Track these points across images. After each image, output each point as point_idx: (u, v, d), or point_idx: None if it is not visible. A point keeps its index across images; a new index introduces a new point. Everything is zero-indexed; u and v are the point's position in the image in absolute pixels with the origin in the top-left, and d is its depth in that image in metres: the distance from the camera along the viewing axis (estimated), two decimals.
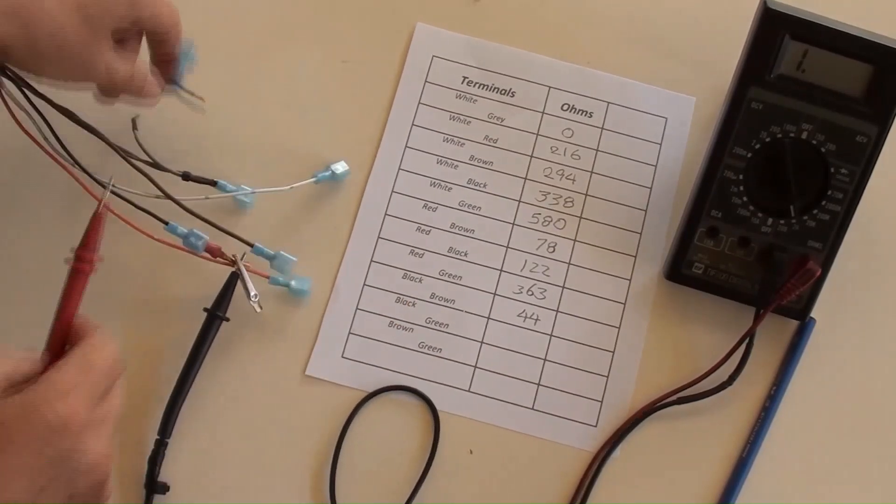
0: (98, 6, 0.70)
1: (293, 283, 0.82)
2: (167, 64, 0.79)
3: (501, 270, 0.85)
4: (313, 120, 0.88)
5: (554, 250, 0.85)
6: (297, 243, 0.84)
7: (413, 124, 0.88)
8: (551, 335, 0.83)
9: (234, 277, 0.80)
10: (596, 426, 0.81)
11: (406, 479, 0.80)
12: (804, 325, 0.83)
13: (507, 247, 0.85)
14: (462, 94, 0.89)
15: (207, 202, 0.82)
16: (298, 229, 0.86)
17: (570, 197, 0.87)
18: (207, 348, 0.80)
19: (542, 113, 0.89)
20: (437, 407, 0.81)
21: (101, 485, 0.63)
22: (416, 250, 0.85)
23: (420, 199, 0.86)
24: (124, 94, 0.76)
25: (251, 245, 0.80)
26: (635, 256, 0.85)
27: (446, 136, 0.88)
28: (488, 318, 0.84)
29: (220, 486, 0.80)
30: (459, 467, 0.80)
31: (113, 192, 0.76)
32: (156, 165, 0.81)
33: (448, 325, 0.83)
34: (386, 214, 0.86)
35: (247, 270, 0.79)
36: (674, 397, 0.81)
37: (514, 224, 0.86)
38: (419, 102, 0.89)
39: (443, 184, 0.87)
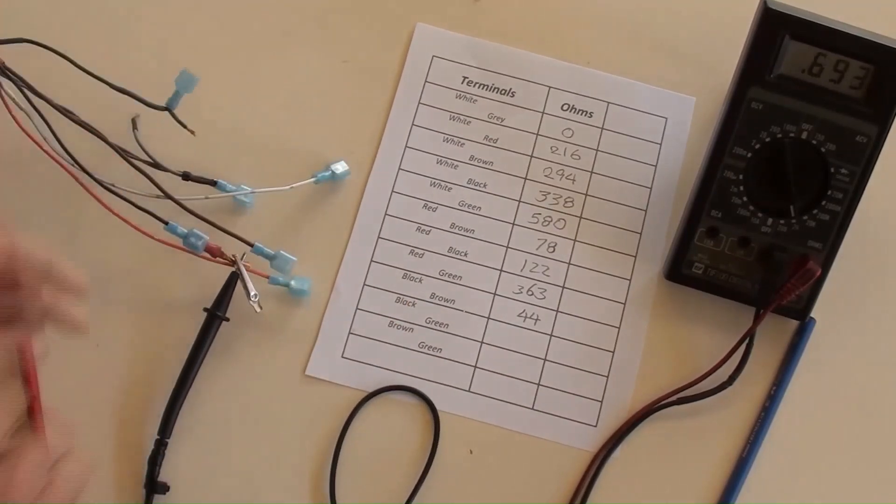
0: None
1: (293, 283, 0.83)
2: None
3: (501, 270, 0.85)
4: (313, 120, 0.89)
5: (554, 250, 0.86)
6: (296, 243, 0.84)
7: (413, 124, 0.88)
8: (551, 335, 0.84)
9: (234, 277, 0.81)
10: (596, 426, 0.82)
11: (406, 478, 0.80)
12: (804, 325, 0.84)
13: (507, 247, 0.86)
14: (462, 94, 0.89)
15: (207, 202, 0.83)
16: (298, 229, 0.86)
17: (570, 197, 0.87)
18: (207, 348, 0.81)
19: (542, 113, 0.89)
20: (438, 407, 0.82)
21: None
22: (416, 250, 0.86)
23: (420, 199, 0.87)
24: None
25: (251, 245, 0.80)
26: (635, 256, 0.86)
27: (446, 136, 0.88)
28: (488, 318, 0.84)
29: (220, 486, 0.80)
30: (459, 467, 0.81)
31: (113, 192, 0.77)
32: (156, 165, 0.81)
33: (448, 325, 0.84)
34: (386, 214, 0.86)
35: (247, 270, 0.79)
36: (674, 397, 0.81)
37: (514, 224, 0.86)
38: (419, 102, 0.89)
39: (443, 184, 0.87)
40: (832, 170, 0.78)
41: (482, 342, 0.84)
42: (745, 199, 0.80)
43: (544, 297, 0.85)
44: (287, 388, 0.82)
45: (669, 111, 0.89)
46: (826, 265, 0.80)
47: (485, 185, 0.87)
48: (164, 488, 0.79)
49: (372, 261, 0.85)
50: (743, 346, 0.81)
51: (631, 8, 0.92)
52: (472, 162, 0.88)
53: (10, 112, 0.76)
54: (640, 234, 0.86)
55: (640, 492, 0.81)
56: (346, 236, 0.86)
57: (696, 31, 0.91)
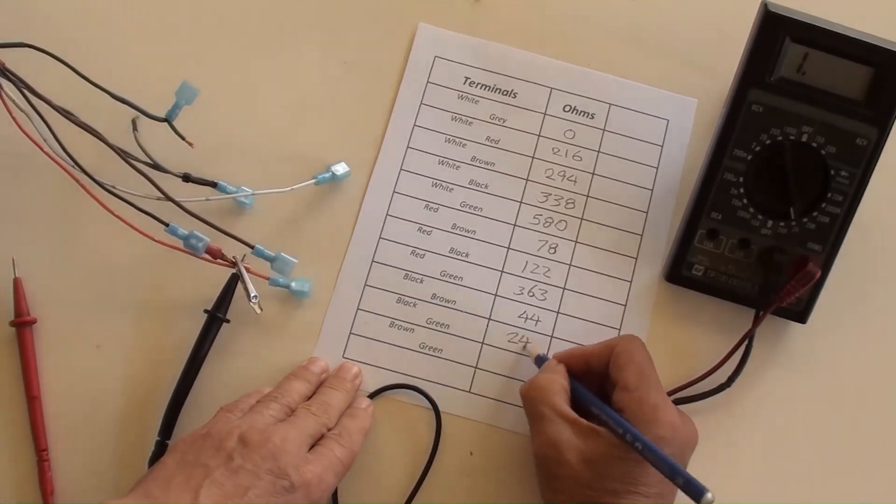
0: None
1: (293, 284, 0.83)
2: None
3: (502, 271, 0.86)
4: (314, 121, 0.89)
5: (555, 251, 0.87)
6: (297, 244, 0.85)
7: (415, 125, 0.89)
8: (552, 336, 0.85)
9: (235, 279, 0.81)
10: None
11: (408, 478, 0.81)
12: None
13: (509, 248, 0.87)
14: (464, 94, 0.90)
15: (208, 204, 0.84)
16: (299, 230, 0.86)
17: (571, 198, 0.88)
18: (208, 349, 0.82)
19: (544, 114, 0.90)
20: (438, 407, 0.83)
21: None
22: (418, 251, 0.86)
23: (421, 199, 0.87)
24: None
25: (252, 246, 0.81)
26: (636, 258, 0.87)
27: (448, 137, 0.89)
28: (489, 318, 0.85)
29: None
30: (460, 468, 0.82)
31: (113, 194, 0.77)
32: (156, 167, 0.82)
33: (449, 325, 0.85)
34: (387, 215, 0.87)
35: (247, 272, 0.80)
36: (673, 398, 0.81)
37: (515, 225, 0.87)
38: (421, 103, 0.90)
39: (444, 184, 0.88)
40: (832, 172, 0.79)
41: (483, 343, 0.84)
42: (745, 201, 0.81)
43: (545, 299, 0.86)
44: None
45: (671, 113, 0.90)
46: (826, 267, 0.81)
47: (486, 186, 0.88)
48: None
49: (373, 261, 0.86)
50: (742, 348, 0.82)
51: (634, 10, 0.93)
52: (473, 163, 0.88)
53: (10, 113, 0.76)
54: (641, 235, 0.87)
55: None
56: (347, 237, 0.86)
57: (699, 33, 0.92)
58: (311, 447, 0.74)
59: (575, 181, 0.88)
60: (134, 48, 0.91)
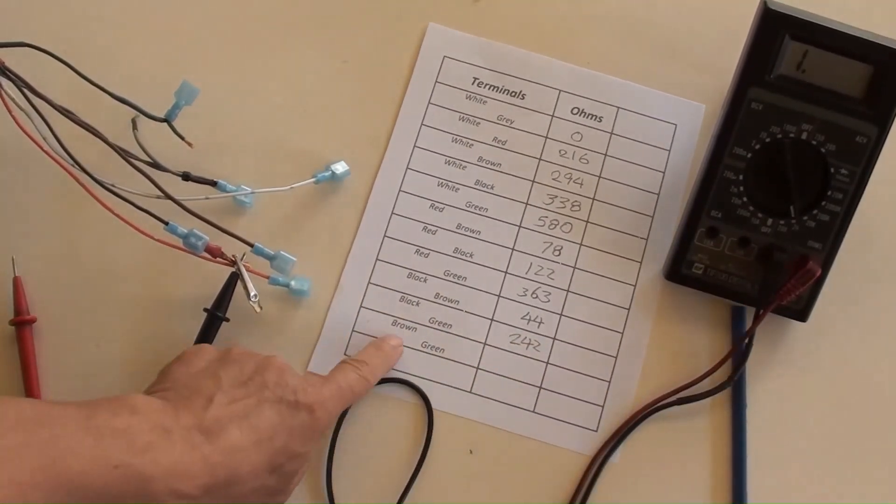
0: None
1: (293, 283, 0.84)
2: None
3: (506, 272, 0.87)
4: (314, 120, 0.90)
5: (560, 254, 0.87)
6: (297, 243, 0.86)
7: (422, 124, 0.90)
8: (554, 338, 0.85)
9: (234, 277, 0.82)
10: (597, 430, 0.83)
11: (405, 474, 0.82)
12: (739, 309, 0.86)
13: (513, 249, 0.87)
14: (472, 95, 0.91)
15: (208, 203, 0.84)
16: (299, 229, 0.87)
17: (577, 201, 0.89)
18: None
19: (552, 116, 0.91)
20: (439, 407, 0.84)
21: None
22: (422, 250, 0.87)
23: (427, 198, 0.89)
24: None
25: (251, 245, 0.81)
26: (640, 262, 0.87)
27: (455, 137, 0.90)
28: (492, 319, 0.86)
29: None
30: (460, 467, 0.82)
31: (113, 193, 0.78)
32: (156, 166, 0.83)
33: (451, 325, 0.86)
34: (392, 213, 0.88)
35: (247, 270, 0.81)
36: (673, 398, 0.83)
37: (520, 226, 0.88)
38: (429, 102, 0.91)
39: (450, 184, 0.89)
40: (832, 170, 0.80)
41: (485, 343, 0.85)
42: (744, 199, 0.81)
43: (549, 301, 0.86)
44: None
45: (679, 118, 0.91)
46: (826, 265, 0.82)
47: (492, 187, 0.89)
48: None
49: (377, 259, 0.87)
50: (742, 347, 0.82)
51: (645, 13, 0.94)
52: (480, 163, 0.89)
53: (9, 112, 0.77)
54: (647, 239, 0.88)
55: (640, 492, 0.82)
56: (349, 236, 0.87)
57: (709, 37, 0.92)
58: None
59: (581, 184, 0.89)
60: (134, 47, 0.92)
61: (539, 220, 0.88)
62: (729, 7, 0.90)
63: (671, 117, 0.91)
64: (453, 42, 0.93)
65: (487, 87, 0.92)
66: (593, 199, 0.89)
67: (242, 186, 0.86)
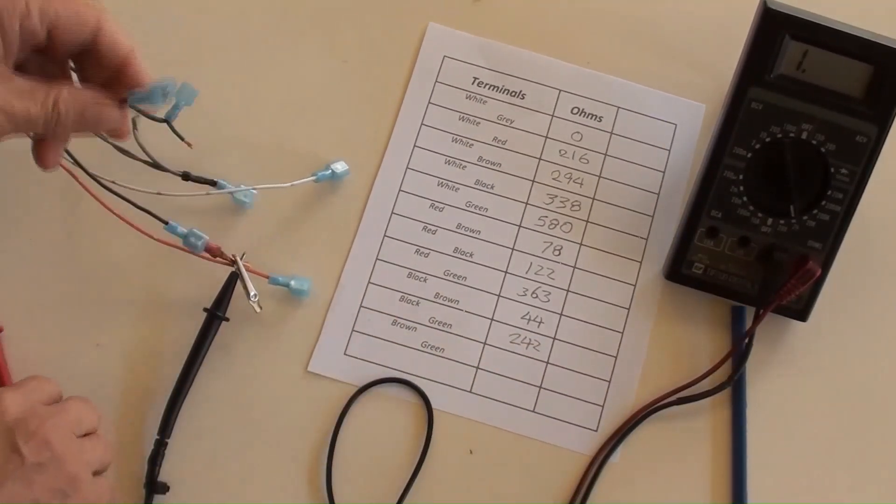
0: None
1: (293, 283, 0.84)
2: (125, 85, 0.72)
3: (506, 272, 0.88)
4: (315, 120, 0.91)
5: (560, 253, 0.88)
6: (297, 243, 0.87)
7: (422, 123, 0.91)
8: (554, 338, 0.86)
9: (234, 277, 0.82)
10: (597, 430, 0.84)
11: (405, 474, 0.82)
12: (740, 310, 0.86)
13: (513, 249, 0.88)
14: (472, 94, 0.92)
15: (208, 205, 0.85)
16: (299, 229, 0.88)
17: (577, 201, 0.89)
18: (207, 348, 0.83)
19: (552, 116, 0.91)
20: (439, 407, 0.84)
21: None
22: (422, 250, 0.88)
23: (427, 198, 0.89)
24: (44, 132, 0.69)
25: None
26: (640, 262, 0.88)
27: (455, 137, 0.91)
28: (492, 319, 0.86)
29: (220, 486, 0.82)
30: (459, 467, 0.83)
31: (112, 192, 0.79)
32: (156, 165, 0.83)
33: (451, 325, 0.86)
34: (392, 213, 0.88)
35: (246, 270, 0.81)
36: (673, 397, 0.83)
37: (520, 226, 0.89)
38: (429, 102, 0.91)
39: (450, 184, 0.89)
40: (832, 170, 0.80)
41: (485, 343, 0.86)
42: (745, 198, 0.82)
43: (548, 300, 0.87)
44: (289, 385, 0.84)
45: (679, 118, 0.91)
46: (826, 265, 0.82)
47: (492, 187, 0.89)
48: (164, 488, 0.81)
49: (377, 259, 0.87)
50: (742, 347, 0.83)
51: (645, 12, 0.94)
52: (480, 163, 0.90)
53: None
54: (647, 239, 0.88)
55: (640, 492, 0.83)
56: (349, 235, 0.88)
57: (711, 38, 0.93)
58: None
59: (581, 183, 0.90)
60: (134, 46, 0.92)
61: (539, 219, 0.89)
62: (729, 7, 0.90)
63: (671, 117, 0.91)
64: (453, 42, 0.93)
65: (487, 86, 0.92)
66: (593, 198, 0.89)
67: (242, 187, 0.86)
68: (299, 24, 0.94)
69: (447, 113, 0.91)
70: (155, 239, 0.80)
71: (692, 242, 0.84)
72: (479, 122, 0.91)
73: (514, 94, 0.92)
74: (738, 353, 0.83)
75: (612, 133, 0.91)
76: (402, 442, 0.84)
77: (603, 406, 0.85)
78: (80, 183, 0.79)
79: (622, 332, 0.86)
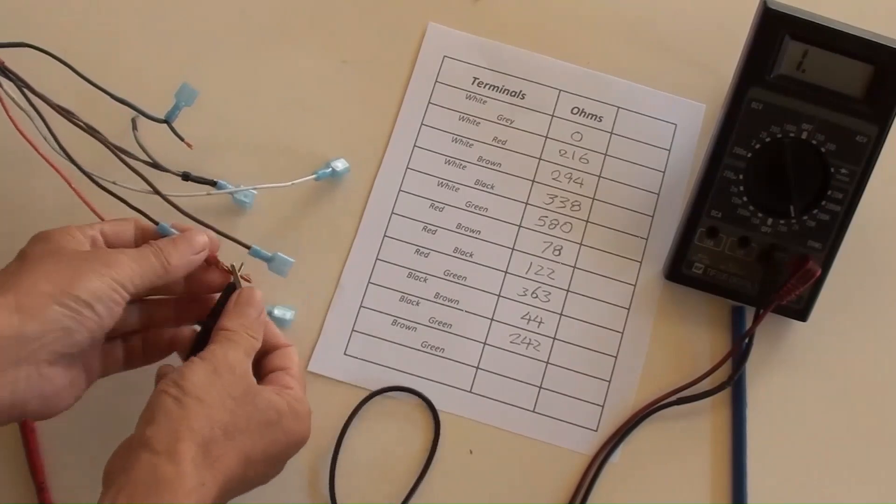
0: None
1: (275, 311, 0.85)
2: None
3: (506, 272, 0.88)
4: (315, 120, 0.91)
5: (560, 253, 0.88)
6: (297, 243, 0.87)
7: (422, 124, 0.91)
8: (554, 338, 0.86)
9: (231, 289, 0.79)
10: (597, 430, 0.84)
11: (406, 478, 0.83)
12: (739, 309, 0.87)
13: (513, 249, 0.88)
14: (472, 94, 0.92)
15: (207, 204, 0.85)
16: (299, 229, 0.88)
17: (577, 201, 0.89)
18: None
19: (552, 116, 0.91)
20: (438, 407, 0.84)
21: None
22: (422, 250, 0.88)
23: (427, 198, 0.89)
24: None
25: (249, 247, 0.80)
26: (640, 262, 0.88)
27: (455, 137, 0.91)
28: (492, 319, 0.87)
29: None
30: (459, 467, 0.83)
31: (109, 192, 0.78)
32: (155, 166, 0.82)
33: (451, 325, 0.86)
34: (392, 213, 0.89)
35: (244, 280, 0.79)
36: (673, 398, 0.83)
37: (520, 226, 0.89)
38: (429, 102, 0.91)
39: (450, 184, 0.90)
40: (832, 170, 0.80)
41: (485, 343, 0.86)
42: (745, 199, 0.82)
43: (548, 300, 0.87)
44: None
45: (679, 117, 0.92)
46: (826, 265, 0.82)
47: (492, 187, 0.90)
48: None
49: (377, 259, 0.88)
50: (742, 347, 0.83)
51: (645, 12, 0.95)
52: (480, 163, 0.90)
53: (7, 113, 0.77)
54: (647, 239, 0.89)
55: (640, 492, 0.83)
56: (349, 235, 0.88)
57: (711, 37, 0.93)
58: None
59: (581, 183, 0.90)
60: (134, 47, 0.92)
61: (539, 219, 0.89)
62: (729, 7, 0.91)
63: (671, 117, 0.92)
64: (453, 42, 0.93)
65: (487, 86, 0.92)
66: (593, 198, 0.90)
67: (242, 188, 0.86)
68: (299, 24, 0.94)
69: (447, 113, 0.92)
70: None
71: (692, 242, 0.84)
72: (479, 122, 0.91)
73: (514, 94, 0.92)
74: (738, 353, 0.83)
75: (612, 133, 0.91)
76: (401, 443, 0.84)
77: (603, 406, 0.85)
78: (73, 189, 0.78)
79: (622, 332, 0.87)
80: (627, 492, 0.83)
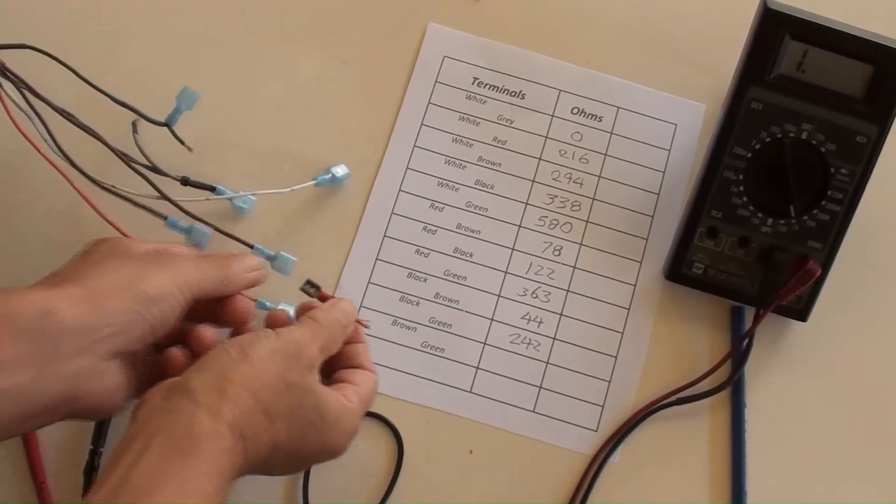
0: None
1: (279, 307, 0.83)
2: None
3: (506, 272, 0.88)
4: (315, 122, 0.91)
5: (560, 253, 0.88)
6: (297, 245, 0.86)
7: (422, 124, 0.91)
8: (554, 338, 0.86)
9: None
10: (597, 430, 0.84)
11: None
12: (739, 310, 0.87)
13: (513, 249, 0.88)
14: (472, 94, 0.92)
15: (206, 209, 0.84)
16: (298, 232, 0.88)
17: (577, 201, 0.89)
18: None
19: (552, 116, 0.91)
20: (439, 407, 0.84)
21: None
22: (422, 250, 0.88)
23: (427, 198, 0.89)
24: None
25: (251, 246, 0.81)
26: (640, 262, 0.88)
27: (455, 137, 0.91)
28: (492, 319, 0.87)
29: None
30: (459, 467, 0.83)
31: (111, 192, 0.79)
32: (155, 169, 0.82)
33: (451, 325, 0.86)
34: (392, 213, 0.89)
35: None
36: (673, 398, 0.83)
37: (520, 226, 0.89)
38: (429, 102, 0.91)
39: (450, 184, 0.90)
40: (832, 170, 0.80)
41: (485, 343, 0.86)
42: (745, 199, 0.82)
43: (549, 301, 0.87)
44: None
45: (679, 117, 0.92)
46: (826, 265, 0.82)
47: (492, 187, 0.90)
48: None
49: (377, 259, 0.88)
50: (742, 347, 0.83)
51: (645, 12, 0.95)
52: (480, 163, 0.90)
53: (8, 114, 0.77)
54: (647, 239, 0.89)
55: (640, 492, 0.83)
56: (349, 236, 0.88)
57: (710, 38, 0.93)
58: None
59: (581, 183, 0.90)
60: (134, 48, 0.92)
61: (539, 219, 0.89)
62: (729, 7, 0.91)
63: (671, 117, 0.92)
64: (453, 42, 0.93)
65: (487, 87, 0.92)
66: (593, 198, 0.90)
67: (241, 192, 0.86)
68: (299, 25, 0.94)
69: (447, 113, 0.92)
70: None
71: (692, 242, 0.84)
72: (479, 122, 0.91)
73: (514, 94, 0.92)
74: (738, 354, 0.84)
75: (612, 133, 0.91)
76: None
77: (603, 406, 0.85)
78: (76, 189, 0.79)
79: (622, 332, 0.87)
80: (627, 492, 0.83)
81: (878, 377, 0.86)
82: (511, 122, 0.91)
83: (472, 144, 0.91)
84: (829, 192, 0.81)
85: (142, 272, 0.69)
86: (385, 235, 0.88)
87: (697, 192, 0.83)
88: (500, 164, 0.90)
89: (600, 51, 0.93)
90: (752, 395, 0.85)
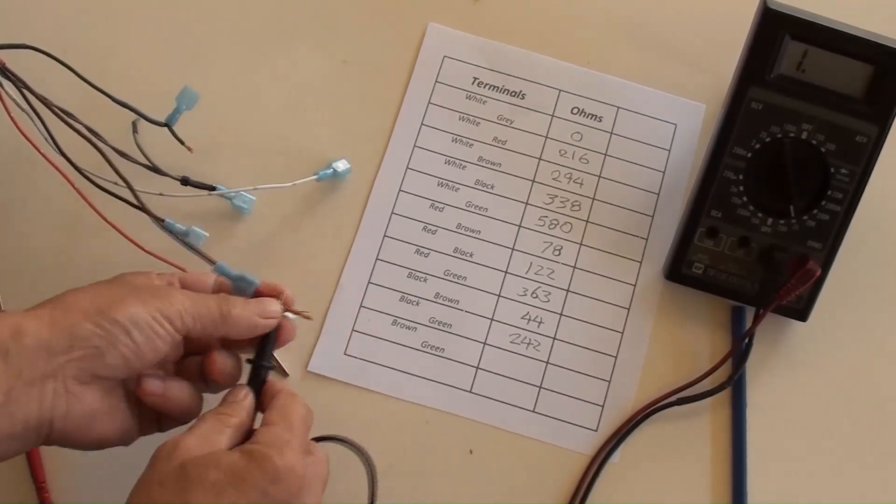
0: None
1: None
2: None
3: (506, 272, 0.88)
4: (315, 122, 0.91)
5: (560, 253, 0.88)
6: (297, 243, 0.87)
7: (422, 124, 0.91)
8: (554, 338, 0.86)
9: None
10: (597, 430, 0.84)
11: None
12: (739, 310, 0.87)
13: (513, 249, 0.88)
14: (472, 94, 0.92)
15: (206, 207, 0.85)
16: (299, 230, 0.88)
17: (577, 201, 0.89)
18: None
19: (552, 116, 0.91)
20: (439, 407, 0.84)
21: None
22: (422, 250, 0.88)
23: (427, 198, 0.89)
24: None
25: (213, 262, 0.77)
26: (640, 262, 0.88)
27: (455, 137, 0.91)
28: (492, 319, 0.87)
29: None
30: (460, 467, 0.83)
31: (109, 192, 0.78)
32: (155, 170, 0.82)
33: (451, 325, 0.86)
34: (392, 213, 0.89)
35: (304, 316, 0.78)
36: (673, 398, 0.83)
37: (520, 226, 0.89)
38: (429, 102, 0.91)
39: (450, 184, 0.90)
40: (832, 170, 0.80)
41: (485, 343, 0.86)
42: (744, 198, 0.82)
43: (548, 300, 0.87)
44: (288, 383, 0.84)
45: (679, 118, 0.92)
46: (826, 265, 0.82)
47: (492, 187, 0.90)
48: None
49: (377, 259, 0.88)
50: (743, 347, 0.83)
51: (645, 12, 0.95)
52: (480, 163, 0.90)
53: (8, 114, 0.77)
54: (647, 239, 0.89)
55: (640, 492, 0.83)
56: (349, 235, 0.88)
57: (711, 38, 0.93)
58: None
59: (581, 183, 0.90)
60: (135, 50, 0.92)
61: (539, 219, 0.89)
62: (729, 7, 0.91)
63: (671, 117, 0.92)
64: (453, 42, 0.93)
65: (487, 86, 0.92)
66: (593, 198, 0.90)
67: (242, 193, 0.86)
68: (299, 25, 0.94)
69: (447, 113, 0.92)
70: (145, 251, 0.79)
71: (692, 242, 0.84)
72: (479, 122, 0.91)
73: (514, 94, 0.92)
74: (738, 353, 0.84)
75: (612, 133, 0.91)
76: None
77: (603, 406, 0.85)
78: (76, 189, 0.78)
79: (622, 332, 0.87)
80: (627, 492, 0.83)
81: (878, 377, 0.86)
82: (511, 122, 0.91)
83: (472, 144, 0.91)
84: (829, 192, 0.81)
85: (119, 299, 0.68)
86: (385, 235, 0.88)
87: (697, 192, 0.83)
88: (500, 164, 0.90)
89: (600, 51, 0.93)
90: (752, 395, 0.84)
